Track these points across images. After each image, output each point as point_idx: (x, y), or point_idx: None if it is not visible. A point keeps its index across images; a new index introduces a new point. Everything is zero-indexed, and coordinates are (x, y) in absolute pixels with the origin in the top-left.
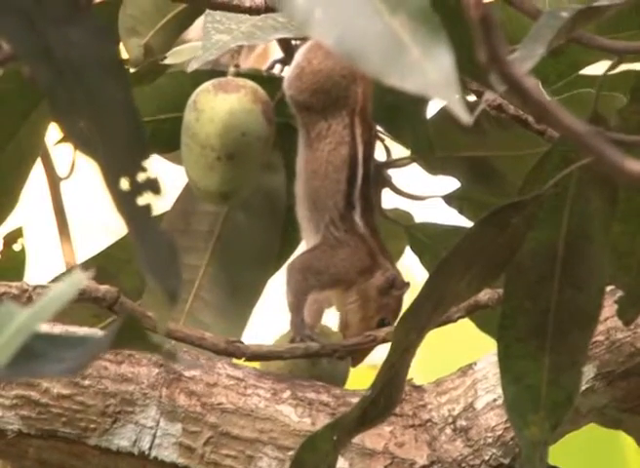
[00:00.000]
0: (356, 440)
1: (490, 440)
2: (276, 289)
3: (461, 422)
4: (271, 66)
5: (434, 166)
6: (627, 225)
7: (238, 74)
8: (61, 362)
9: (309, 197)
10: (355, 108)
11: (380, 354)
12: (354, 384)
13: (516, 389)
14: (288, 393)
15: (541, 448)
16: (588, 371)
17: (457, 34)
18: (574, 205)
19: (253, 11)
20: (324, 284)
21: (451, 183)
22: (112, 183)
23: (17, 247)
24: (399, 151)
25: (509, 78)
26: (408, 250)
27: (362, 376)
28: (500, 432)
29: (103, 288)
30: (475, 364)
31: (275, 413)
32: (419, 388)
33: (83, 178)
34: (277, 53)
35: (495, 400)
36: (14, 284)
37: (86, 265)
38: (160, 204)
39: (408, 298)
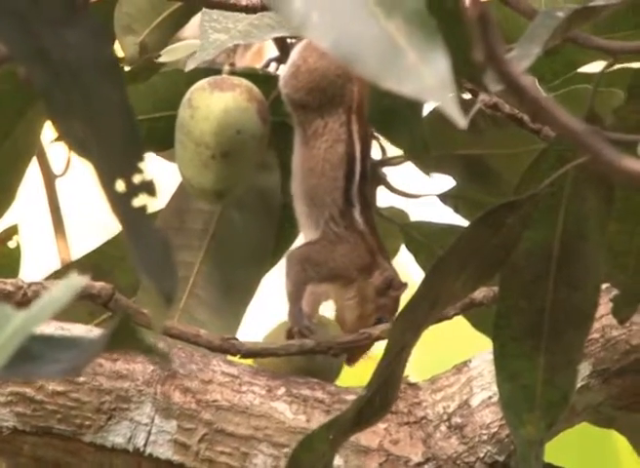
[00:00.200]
0: (351, 437)
1: (485, 437)
2: (270, 286)
3: (456, 419)
4: (267, 65)
5: (428, 165)
6: (624, 224)
7: (233, 73)
8: (57, 363)
9: (307, 194)
10: (351, 106)
11: (374, 346)
12: (348, 377)
13: (511, 388)
14: (283, 390)
15: (537, 447)
16: (584, 369)
17: (453, 37)
18: (569, 204)
19: (249, 9)
20: (322, 277)
21: (446, 182)
22: (108, 185)
23: (12, 244)
24: (394, 149)
25: (506, 77)
26: (403, 248)
27: (356, 369)
28: (496, 429)
29: (98, 285)
30: (470, 361)
31: (270, 410)
32: (414, 385)
33: (78, 176)
34: (273, 51)
35: (490, 397)
36: (9, 281)
37: (80, 263)
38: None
39: (404, 297)
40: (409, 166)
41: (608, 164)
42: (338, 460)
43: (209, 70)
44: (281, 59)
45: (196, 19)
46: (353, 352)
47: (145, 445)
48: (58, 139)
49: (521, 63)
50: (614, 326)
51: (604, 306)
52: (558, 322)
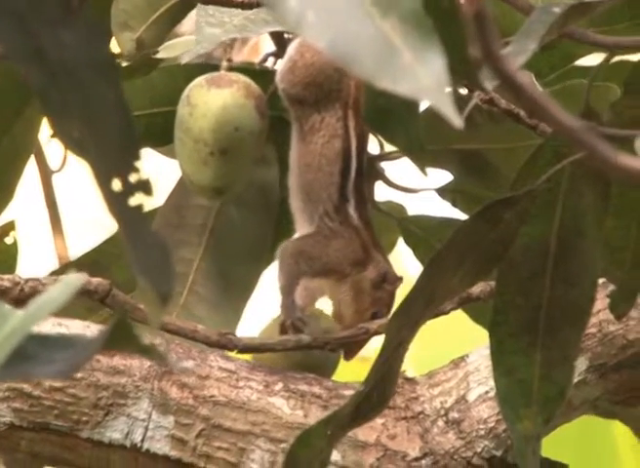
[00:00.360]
0: (349, 432)
1: (482, 432)
2: (269, 282)
3: (454, 414)
4: (264, 60)
5: (425, 160)
6: (620, 220)
7: (231, 68)
8: (53, 363)
9: (303, 189)
10: (348, 101)
11: (371, 347)
12: (344, 377)
13: (508, 383)
14: (280, 385)
15: (534, 442)
16: (581, 364)
17: (449, 35)
18: (566, 200)
19: (245, 4)
20: (315, 271)
21: (444, 176)
22: (104, 184)
23: (9, 240)
24: None
25: (503, 73)
26: (401, 242)
27: (352, 369)
28: (493, 424)
29: (95, 281)
30: (467, 356)
31: (267, 406)
32: (411, 380)
33: (75, 172)
34: (270, 46)
35: (487, 392)
36: (6, 277)
37: (78, 261)
38: (153, 199)
39: (401, 291)
40: (406, 160)
41: (604, 160)
42: (335, 455)
43: (206, 66)
44: (278, 54)
45: (193, 15)
46: (350, 347)
47: (143, 440)
48: (54, 136)
49: (517, 59)
50: (611, 321)
51: (601, 301)
52: (555, 318)
